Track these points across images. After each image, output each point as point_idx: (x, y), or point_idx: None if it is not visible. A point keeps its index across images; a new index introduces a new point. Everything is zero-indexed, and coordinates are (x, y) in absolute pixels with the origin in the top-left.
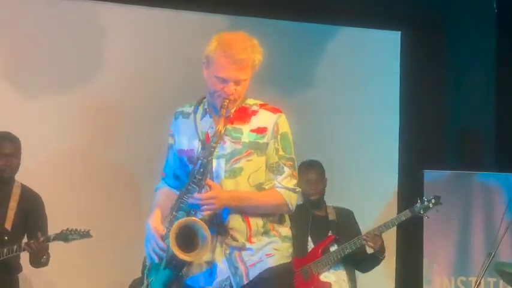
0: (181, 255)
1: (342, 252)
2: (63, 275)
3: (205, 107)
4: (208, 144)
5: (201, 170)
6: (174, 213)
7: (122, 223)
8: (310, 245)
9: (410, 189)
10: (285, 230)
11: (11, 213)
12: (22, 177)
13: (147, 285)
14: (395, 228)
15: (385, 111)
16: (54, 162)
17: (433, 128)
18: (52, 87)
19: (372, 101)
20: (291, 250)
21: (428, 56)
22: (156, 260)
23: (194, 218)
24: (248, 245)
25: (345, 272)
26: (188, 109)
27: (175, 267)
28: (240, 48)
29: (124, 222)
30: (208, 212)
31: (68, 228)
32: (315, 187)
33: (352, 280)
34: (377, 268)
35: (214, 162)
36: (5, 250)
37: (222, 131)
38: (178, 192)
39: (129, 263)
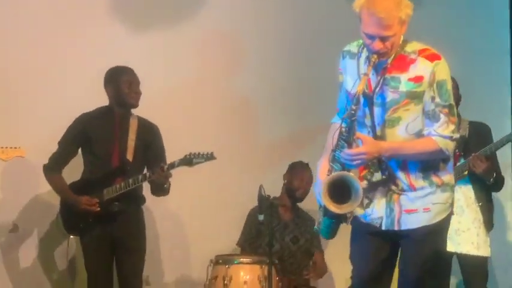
0: (333, 208)
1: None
2: (185, 203)
3: (367, 54)
4: (356, 106)
5: (347, 128)
6: (331, 164)
7: (238, 149)
8: None
9: None
10: (447, 177)
11: (131, 145)
12: (137, 109)
13: (319, 222)
14: None
15: None
16: (167, 94)
17: None
18: (160, 21)
19: None
20: (450, 200)
21: None
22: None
23: (346, 172)
24: (408, 191)
25: (472, 191)
26: (354, 49)
27: (332, 216)
28: (381, 7)
29: (240, 147)
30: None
31: (191, 153)
32: None
33: (481, 199)
34: None
35: (375, 110)
36: (130, 181)
37: (360, 92)
38: None
39: (247, 187)
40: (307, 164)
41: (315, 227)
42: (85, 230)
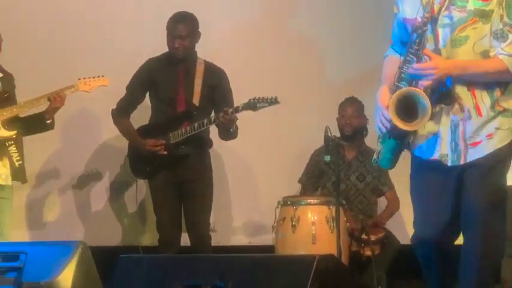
0: (400, 125)
1: None
2: (251, 146)
3: None
4: (430, 14)
5: (418, 40)
6: (396, 83)
7: (303, 91)
8: None
9: None
10: (509, 103)
11: (197, 89)
12: (204, 53)
13: (378, 152)
14: None
15: None
16: (234, 37)
17: None
18: None
19: None
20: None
21: None
22: (383, 129)
23: (414, 88)
24: (474, 117)
25: None
26: None
27: (398, 136)
28: None
29: (305, 89)
30: (429, 82)
31: (255, 97)
32: None
33: None
34: None
35: (440, 32)
36: (196, 125)
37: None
38: None
39: (313, 129)
40: (352, 98)
41: (374, 157)
42: (152, 173)
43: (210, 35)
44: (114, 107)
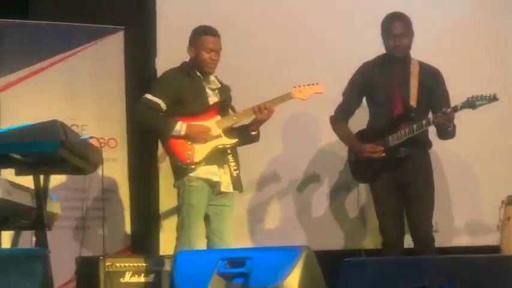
0: None
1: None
2: (470, 144)
3: None
4: None
5: None
6: None
7: None
8: None
9: None
10: None
11: (413, 91)
12: (418, 54)
13: None
14: None
15: None
16: (446, 36)
17: None
18: None
19: None
20: None
21: None
22: None
23: None
24: None
25: None
26: None
27: None
28: None
29: None
30: None
31: (473, 95)
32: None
33: None
34: None
35: None
36: (414, 126)
37: None
38: None
39: None
40: None
41: None
42: (373, 177)
43: (425, 33)
44: (332, 113)
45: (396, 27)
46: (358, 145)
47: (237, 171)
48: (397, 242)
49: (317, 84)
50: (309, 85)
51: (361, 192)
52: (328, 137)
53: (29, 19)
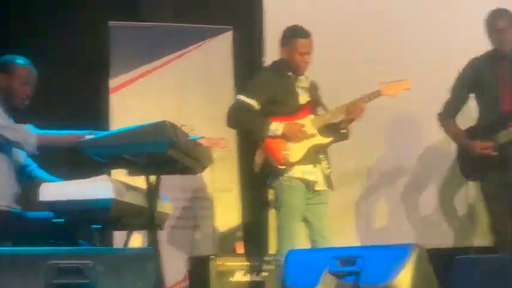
0: None
1: None
2: None
3: None
4: None
5: None
6: None
7: None
8: None
9: None
10: None
11: None
12: None
13: None
14: None
15: None
16: None
17: None
18: None
19: None
20: None
21: None
22: None
23: None
24: None
25: None
26: None
27: None
28: None
29: None
30: None
31: None
32: None
33: None
34: None
35: None
36: None
37: None
38: None
39: None
40: None
41: None
42: (483, 175)
43: None
44: (440, 109)
45: (499, 22)
46: (468, 142)
47: (329, 170)
48: (509, 239)
49: (405, 80)
50: (397, 81)
51: (470, 190)
52: (435, 134)
53: (139, 21)
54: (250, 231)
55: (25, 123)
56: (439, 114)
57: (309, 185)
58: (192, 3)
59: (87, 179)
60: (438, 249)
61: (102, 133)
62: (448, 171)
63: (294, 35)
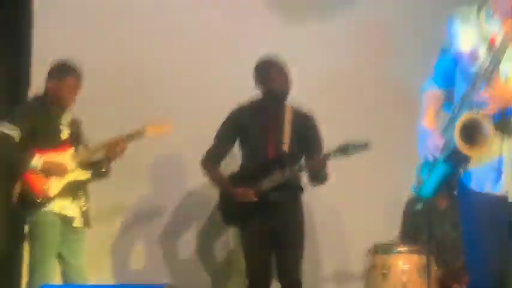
0: (464, 149)
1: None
2: (340, 194)
3: (491, 8)
4: (495, 48)
5: (485, 74)
6: (455, 111)
7: (394, 139)
8: None
9: None
10: None
11: (287, 136)
12: (293, 99)
13: (421, 180)
14: None
15: None
16: (323, 83)
17: None
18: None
19: None
20: None
21: None
22: (431, 157)
23: (477, 114)
24: None
25: None
26: (467, 11)
27: (455, 161)
28: None
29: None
30: (491, 111)
31: (346, 143)
32: None
33: None
34: None
35: (502, 64)
36: (287, 171)
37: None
38: (446, 93)
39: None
40: None
41: (413, 184)
42: (244, 221)
43: (304, 79)
44: (203, 155)
45: (270, 71)
46: (231, 189)
47: (86, 207)
48: (264, 287)
49: (167, 123)
50: (160, 123)
51: (232, 235)
52: (198, 179)
53: None
54: (3, 264)
55: None
56: (202, 160)
57: (65, 221)
58: None
59: None
60: None
61: None
62: (209, 216)
63: (63, 71)
